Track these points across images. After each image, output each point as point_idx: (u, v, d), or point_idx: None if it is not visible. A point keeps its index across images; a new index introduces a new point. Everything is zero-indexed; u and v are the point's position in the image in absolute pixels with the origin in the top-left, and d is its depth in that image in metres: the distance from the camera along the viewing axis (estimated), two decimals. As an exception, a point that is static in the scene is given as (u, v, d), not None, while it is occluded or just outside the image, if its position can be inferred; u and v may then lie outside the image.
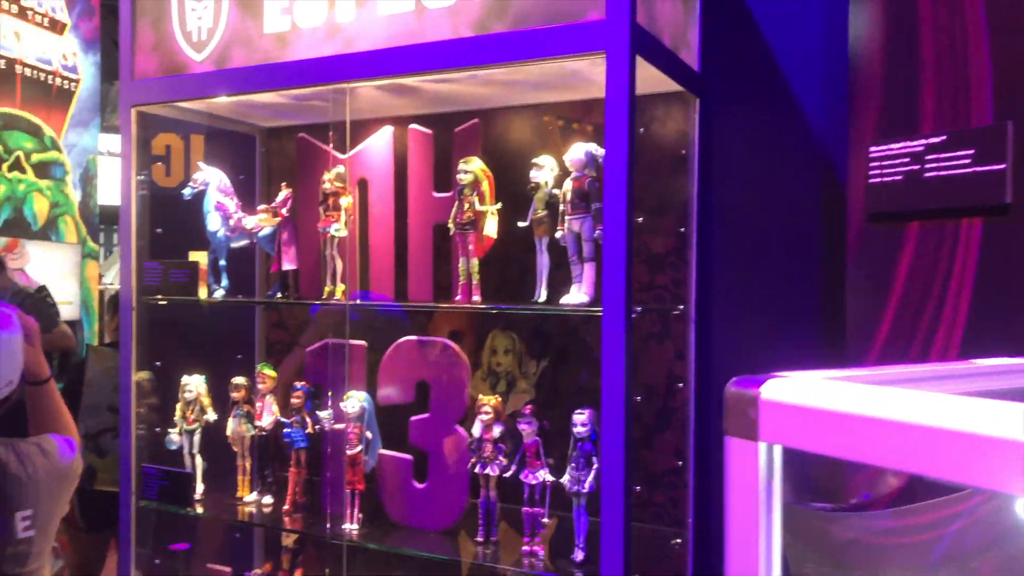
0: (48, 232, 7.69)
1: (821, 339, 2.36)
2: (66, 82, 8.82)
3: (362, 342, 2.61)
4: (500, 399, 2.39)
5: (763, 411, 0.74)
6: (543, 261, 2.31)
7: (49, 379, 2.02)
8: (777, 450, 0.75)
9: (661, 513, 2.57)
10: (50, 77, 8.48)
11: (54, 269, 6.92)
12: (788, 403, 0.72)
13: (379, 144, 2.57)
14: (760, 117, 2.48)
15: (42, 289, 5.20)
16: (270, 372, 2.76)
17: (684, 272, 2.51)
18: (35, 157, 7.95)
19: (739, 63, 2.52)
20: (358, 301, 2.55)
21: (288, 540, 2.89)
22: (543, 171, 2.29)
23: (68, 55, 8.80)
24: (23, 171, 7.73)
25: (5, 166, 7.24)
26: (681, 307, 2.47)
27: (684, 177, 2.48)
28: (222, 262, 2.79)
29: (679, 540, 2.48)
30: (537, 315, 2.71)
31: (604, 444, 2.03)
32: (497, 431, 2.37)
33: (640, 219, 2.21)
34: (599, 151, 2.19)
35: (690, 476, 2.51)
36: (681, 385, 2.49)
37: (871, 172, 1.41)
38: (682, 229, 2.47)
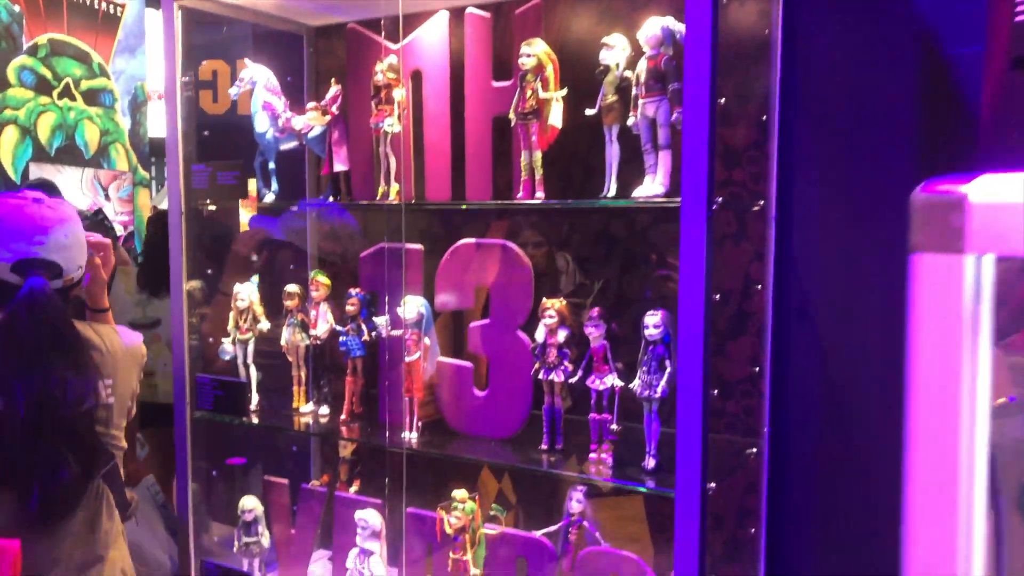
0: (100, 160, 7.69)
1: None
2: (112, 7, 8.71)
3: (418, 246, 2.49)
4: (565, 302, 2.25)
5: (972, 215, 0.58)
6: (613, 152, 2.14)
7: (107, 310, 2.23)
8: (988, 264, 0.59)
9: (735, 423, 2.43)
10: (96, 1, 8.37)
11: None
12: (1008, 203, 0.56)
13: (433, 32, 2.39)
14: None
15: (99, 212, 5.20)
16: (324, 279, 2.66)
17: (764, 166, 2.31)
18: (84, 84, 7.89)
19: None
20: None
21: (346, 451, 2.83)
22: (614, 52, 2.10)
23: (113, -22, 8.67)
24: (73, 98, 7.70)
25: (55, 93, 7.21)
26: (761, 203, 2.28)
27: (765, 61, 2.27)
28: (271, 165, 2.67)
29: (754, 450, 2.34)
30: (603, 216, 2.55)
31: (681, 346, 1.88)
32: (562, 335, 2.24)
33: (722, 100, 2.01)
34: (677, 26, 1.99)
35: (766, 384, 2.35)
36: (760, 287, 2.32)
37: (1018, 8, 1.20)
38: (764, 117, 2.26)
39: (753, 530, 2.37)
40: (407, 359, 2.41)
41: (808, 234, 2.34)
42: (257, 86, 2.63)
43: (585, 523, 2.33)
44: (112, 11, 8.86)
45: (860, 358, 2.28)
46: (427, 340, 2.42)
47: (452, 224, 2.81)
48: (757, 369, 2.34)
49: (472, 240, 2.43)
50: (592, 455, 2.21)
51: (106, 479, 1.97)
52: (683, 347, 1.88)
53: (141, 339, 2.14)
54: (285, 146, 2.68)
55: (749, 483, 2.40)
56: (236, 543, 2.74)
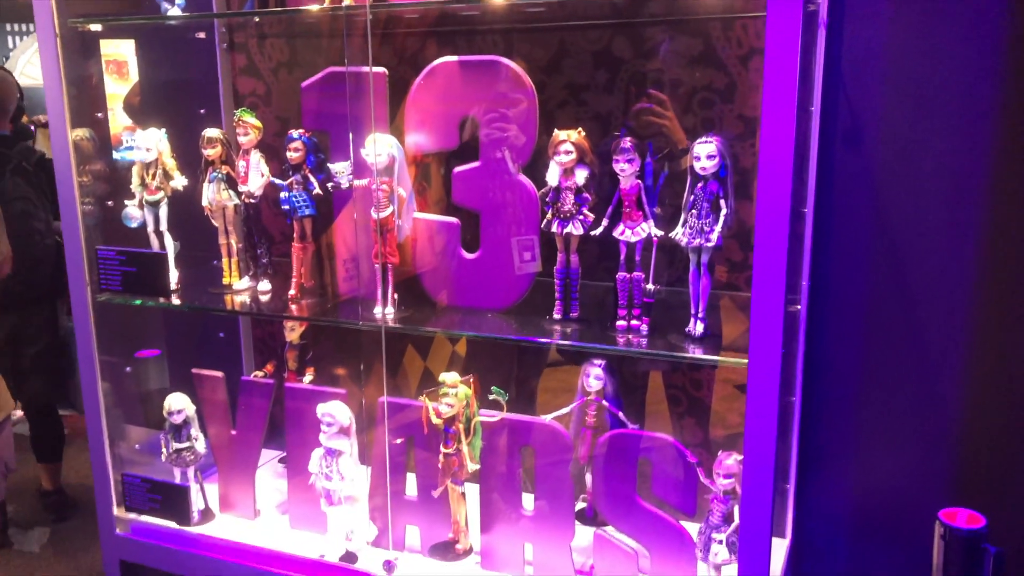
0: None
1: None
2: None
3: (381, 69, 1.94)
4: (584, 133, 1.78)
5: None
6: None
7: None
8: None
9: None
10: None
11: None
12: None
13: None
14: None
15: None
16: (253, 120, 2.09)
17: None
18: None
19: None
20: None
21: (293, 334, 2.33)
22: None
23: None
24: None
25: None
26: (817, 2, 1.84)
27: None
28: (173, -32, 2.03)
29: (798, 307, 2.00)
30: (606, 31, 2.06)
31: (762, 180, 1.47)
32: (581, 176, 1.78)
33: None
34: None
35: (807, 229, 1.99)
36: (812, 109, 1.91)
37: None
38: None
39: (792, 398, 2.06)
40: (377, 215, 1.91)
41: (863, 46, 1.92)
42: None
43: (605, 402, 1.96)
44: None
45: (917, 199, 1.93)
46: (401, 191, 1.92)
47: (401, 46, 2.25)
48: (804, 210, 1.96)
49: (453, 58, 1.91)
50: (621, 322, 1.81)
51: None
52: (764, 181, 1.47)
53: None
54: (189, -56, 2.04)
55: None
56: (164, 451, 2.24)
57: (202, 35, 2.38)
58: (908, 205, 1.95)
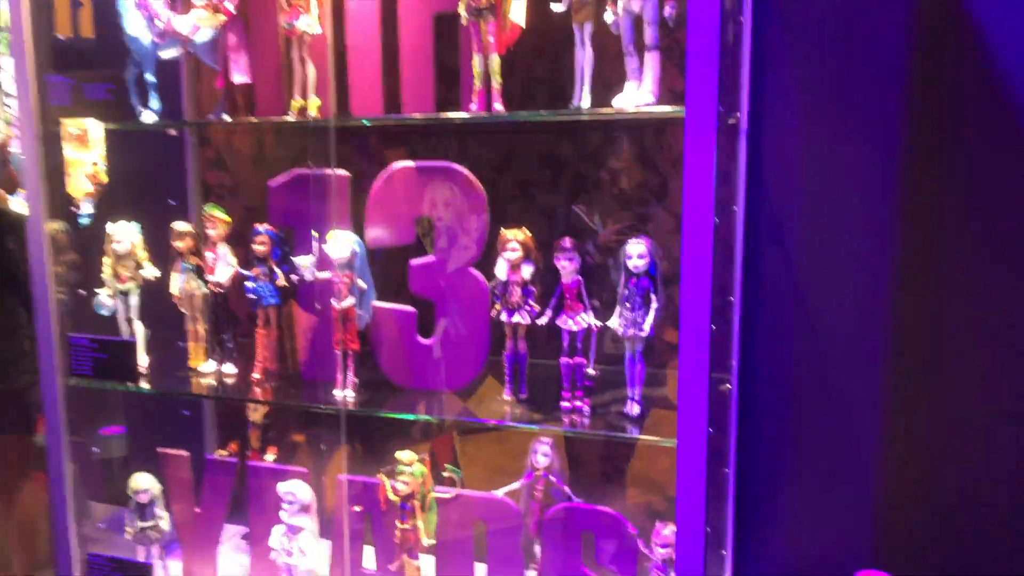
0: None
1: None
2: None
3: (344, 172, 2.11)
4: (530, 233, 1.96)
5: None
6: (585, 56, 1.84)
7: None
8: None
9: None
10: None
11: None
12: None
13: (355, -91, 1.99)
14: None
15: None
16: (222, 215, 2.23)
17: (735, 74, 2.08)
18: None
19: None
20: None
21: (256, 415, 2.44)
22: (586, -65, 1.79)
23: None
24: None
25: None
26: (737, 115, 2.05)
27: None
28: (149, 76, 2.18)
29: (728, 386, 2.17)
30: (551, 135, 2.26)
31: (684, 287, 1.66)
32: (527, 271, 1.95)
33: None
34: (665, -97, 1.70)
35: (735, 315, 2.18)
36: (735, 208, 2.11)
37: None
38: (740, 18, 2.02)
39: (726, 470, 2.22)
40: (339, 305, 2.05)
41: (782, 151, 2.14)
42: (126, -22, 2.13)
43: (552, 477, 2.10)
44: None
45: (836, 286, 2.14)
46: (362, 283, 2.07)
47: (367, 146, 2.44)
48: (732, 299, 2.15)
49: (411, 162, 2.08)
50: (565, 404, 1.96)
51: None
52: (686, 290, 1.65)
53: None
54: (166, 53, 2.20)
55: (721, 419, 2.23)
56: (130, 529, 2.32)
57: (173, 132, 2.53)
58: (827, 293, 2.15)
